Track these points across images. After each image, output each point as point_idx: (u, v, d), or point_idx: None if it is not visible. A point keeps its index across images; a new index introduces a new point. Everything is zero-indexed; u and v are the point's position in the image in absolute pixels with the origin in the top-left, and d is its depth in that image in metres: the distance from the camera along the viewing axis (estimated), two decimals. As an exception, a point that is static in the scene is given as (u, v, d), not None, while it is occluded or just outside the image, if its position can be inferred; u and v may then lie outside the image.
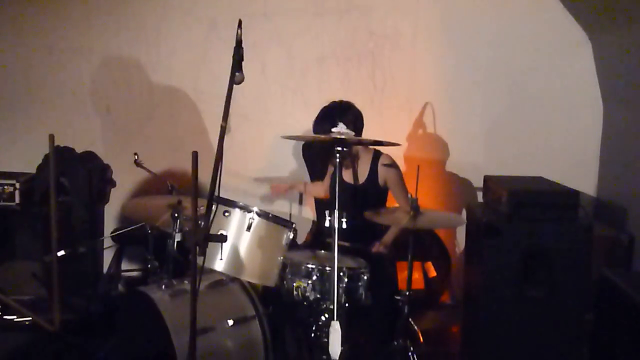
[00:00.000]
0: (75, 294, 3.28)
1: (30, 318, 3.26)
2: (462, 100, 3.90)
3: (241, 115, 3.95)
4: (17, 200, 3.51)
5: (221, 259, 2.33)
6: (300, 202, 4.01)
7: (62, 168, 3.56)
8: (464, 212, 3.47)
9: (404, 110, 3.93)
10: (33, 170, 3.75)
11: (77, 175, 3.61)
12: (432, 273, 3.90)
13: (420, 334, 3.36)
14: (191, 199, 1.86)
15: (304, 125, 3.83)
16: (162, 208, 2.79)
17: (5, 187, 3.47)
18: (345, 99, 3.09)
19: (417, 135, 3.94)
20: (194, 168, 1.87)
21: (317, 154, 3.82)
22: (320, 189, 3.43)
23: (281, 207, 3.93)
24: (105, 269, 3.82)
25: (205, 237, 1.85)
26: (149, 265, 2.86)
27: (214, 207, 1.93)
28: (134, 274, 3.89)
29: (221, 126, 2.04)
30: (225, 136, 1.98)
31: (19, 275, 3.55)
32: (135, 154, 3.35)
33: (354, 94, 3.53)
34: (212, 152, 4.32)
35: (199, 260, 1.87)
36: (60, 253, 2.55)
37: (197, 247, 1.85)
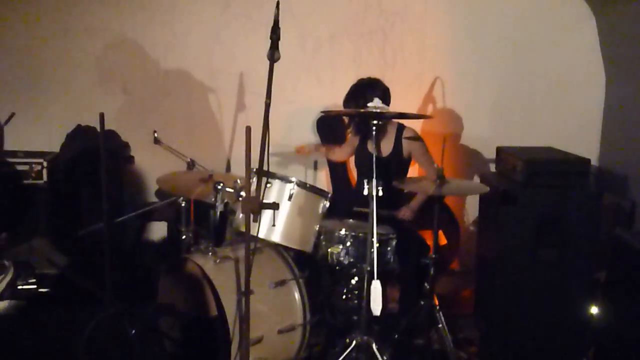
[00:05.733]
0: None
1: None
2: (470, 75, 4.04)
3: (256, 93, 4.06)
4: (45, 178, 3.61)
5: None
6: (315, 167, 4.14)
7: (87, 147, 3.65)
8: (477, 181, 3.63)
9: (414, 85, 4.06)
10: (53, 149, 3.85)
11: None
12: (443, 241, 4.08)
13: (435, 298, 3.56)
14: (245, 170, 1.99)
15: (318, 101, 3.95)
16: (194, 181, 2.93)
17: (34, 165, 3.56)
18: (357, 75, 3.24)
19: (428, 110, 4.09)
20: (247, 141, 2.01)
21: (332, 128, 3.96)
22: (340, 152, 3.58)
23: (295, 174, 4.06)
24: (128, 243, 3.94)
25: (260, 205, 1.99)
26: (184, 237, 2.99)
27: (256, 179, 2.08)
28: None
29: (265, 103, 2.18)
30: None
31: (43, 252, 3.65)
32: (155, 131, 3.48)
33: (365, 70, 3.64)
34: (229, 128, 4.42)
35: (254, 227, 2.02)
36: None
37: (252, 215, 1.99)
